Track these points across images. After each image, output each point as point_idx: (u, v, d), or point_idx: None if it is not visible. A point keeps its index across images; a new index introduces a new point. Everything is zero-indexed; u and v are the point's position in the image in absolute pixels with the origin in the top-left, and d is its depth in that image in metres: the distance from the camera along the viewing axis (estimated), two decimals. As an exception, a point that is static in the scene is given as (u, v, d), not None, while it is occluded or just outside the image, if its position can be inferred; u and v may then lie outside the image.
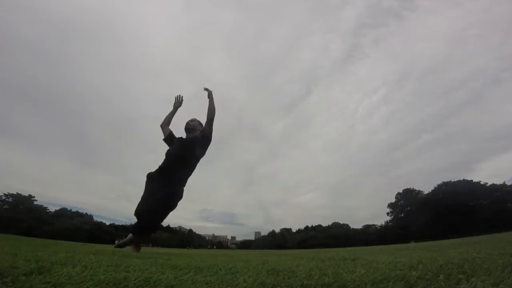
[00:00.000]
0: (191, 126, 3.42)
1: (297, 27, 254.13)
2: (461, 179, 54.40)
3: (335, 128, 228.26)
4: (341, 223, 79.26)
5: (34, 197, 56.68)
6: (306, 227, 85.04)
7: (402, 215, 62.68)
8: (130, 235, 3.19)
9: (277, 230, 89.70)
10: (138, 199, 3.19)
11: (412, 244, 14.39)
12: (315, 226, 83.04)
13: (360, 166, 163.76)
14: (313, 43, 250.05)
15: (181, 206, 3.30)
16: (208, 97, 3.36)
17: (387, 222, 67.16)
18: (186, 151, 3.19)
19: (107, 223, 72.46)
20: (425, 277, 0.81)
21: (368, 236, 63.52)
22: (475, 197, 49.18)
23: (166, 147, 3.40)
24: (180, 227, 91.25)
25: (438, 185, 56.78)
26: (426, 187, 79.76)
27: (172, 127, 3.55)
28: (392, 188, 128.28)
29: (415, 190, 63.92)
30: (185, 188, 3.28)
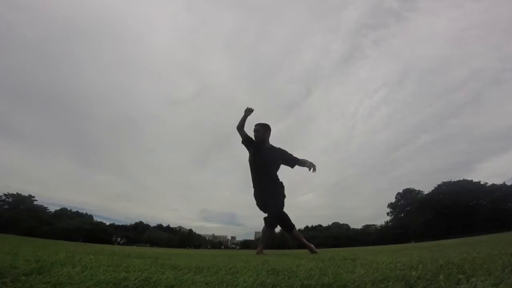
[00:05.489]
0: (259, 135, 3.68)
1: (297, 28, 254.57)
2: (461, 179, 54.41)
3: (336, 128, 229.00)
4: (341, 223, 79.28)
5: (34, 197, 56.77)
6: (306, 227, 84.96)
7: (402, 215, 62.63)
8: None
9: (277, 230, 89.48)
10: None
11: (412, 244, 14.39)
12: (315, 226, 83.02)
13: (360, 166, 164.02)
14: (314, 44, 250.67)
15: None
16: (304, 164, 3.81)
17: (387, 222, 67.17)
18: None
19: (107, 223, 72.72)
20: (425, 277, 0.81)
21: (368, 236, 63.47)
22: (475, 197, 49.14)
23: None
24: (180, 227, 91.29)
25: (438, 185, 56.77)
26: (426, 187, 79.84)
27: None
28: (392, 188, 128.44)
29: (415, 190, 63.90)
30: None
